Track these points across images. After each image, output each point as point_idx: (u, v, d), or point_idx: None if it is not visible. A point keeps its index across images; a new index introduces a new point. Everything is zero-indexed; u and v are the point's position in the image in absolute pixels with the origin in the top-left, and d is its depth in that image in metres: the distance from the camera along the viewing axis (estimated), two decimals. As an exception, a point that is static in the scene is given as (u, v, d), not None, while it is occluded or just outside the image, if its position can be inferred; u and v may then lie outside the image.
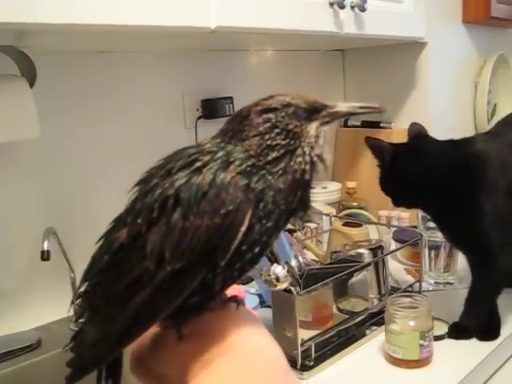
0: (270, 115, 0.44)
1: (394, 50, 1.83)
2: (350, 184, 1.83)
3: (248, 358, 0.39)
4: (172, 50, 1.48)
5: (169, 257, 0.39)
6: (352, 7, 1.36)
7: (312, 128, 0.45)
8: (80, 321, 0.46)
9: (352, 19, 1.37)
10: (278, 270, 0.93)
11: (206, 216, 0.39)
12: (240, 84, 1.62)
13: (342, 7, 1.31)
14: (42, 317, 1.22)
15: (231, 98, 1.55)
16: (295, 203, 0.43)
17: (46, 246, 1.05)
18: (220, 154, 0.42)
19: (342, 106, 0.46)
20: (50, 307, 1.21)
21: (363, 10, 1.37)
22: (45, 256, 1.04)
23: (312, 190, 0.45)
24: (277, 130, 0.43)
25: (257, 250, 0.42)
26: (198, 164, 0.41)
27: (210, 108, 1.52)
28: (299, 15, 1.24)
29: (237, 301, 0.45)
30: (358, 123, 1.93)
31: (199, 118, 1.51)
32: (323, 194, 1.74)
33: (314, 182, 0.45)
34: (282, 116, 0.44)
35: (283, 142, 0.43)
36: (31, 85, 1.10)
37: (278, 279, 0.94)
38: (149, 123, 1.43)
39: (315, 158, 0.44)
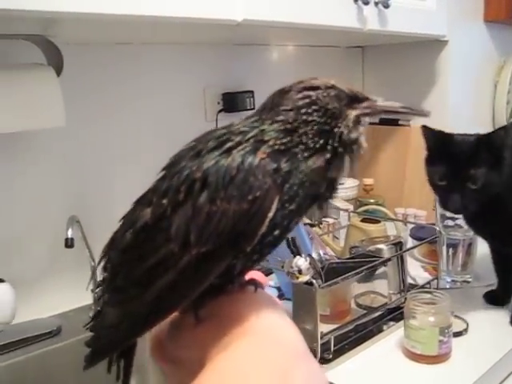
0: (311, 92, 0.43)
1: (414, 47, 1.83)
2: (368, 181, 1.83)
3: (266, 340, 0.39)
4: (194, 43, 1.49)
5: (194, 240, 0.39)
6: (376, 3, 1.36)
7: (352, 114, 0.43)
8: (101, 300, 0.46)
9: (375, 15, 1.37)
10: (301, 262, 0.94)
11: (234, 201, 0.38)
12: (261, 78, 1.62)
13: (366, 3, 1.31)
14: (63, 304, 1.24)
15: (252, 91, 1.56)
16: (322, 187, 0.42)
17: (70, 233, 1.06)
18: (252, 133, 0.41)
19: (384, 102, 0.46)
20: (70, 295, 1.23)
21: (387, 6, 1.37)
22: (69, 243, 1.05)
23: (343, 176, 0.43)
24: (315, 107, 0.42)
25: (277, 233, 0.41)
26: (229, 144, 0.41)
27: (231, 101, 1.53)
28: (324, 10, 1.24)
29: (255, 284, 0.44)
30: (376, 120, 1.93)
31: (220, 111, 1.52)
32: (340, 190, 1.74)
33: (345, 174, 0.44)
34: (324, 96, 0.43)
35: (320, 120, 0.42)
36: (58, 74, 1.11)
37: (300, 271, 0.94)
38: (170, 115, 1.44)
39: (351, 143, 0.43)
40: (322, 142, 0.42)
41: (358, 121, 0.44)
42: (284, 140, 0.41)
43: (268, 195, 0.39)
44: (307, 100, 0.43)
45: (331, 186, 0.43)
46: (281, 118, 0.42)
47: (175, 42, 1.44)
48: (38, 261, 1.22)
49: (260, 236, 0.39)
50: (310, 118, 0.42)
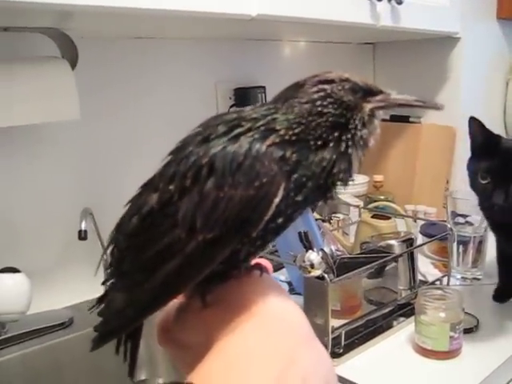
0: (326, 86, 0.43)
1: (425, 44, 1.82)
2: (378, 177, 1.83)
3: (273, 323, 0.39)
4: (207, 38, 1.49)
5: (200, 226, 0.39)
6: (389, 0, 1.36)
7: (367, 107, 0.44)
8: (107, 284, 0.46)
9: (389, 12, 1.37)
10: (313, 256, 0.94)
11: (240, 187, 0.38)
12: (273, 73, 1.62)
13: (380, -1, 1.31)
14: (75, 296, 1.25)
15: (264, 87, 1.56)
16: (330, 180, 0.42)
17: (83, 225, 1.07)
18: (263, 121, 0.41)
19: (398, 95, 0.45)
20: (83, 287, 1.24)
21: (400, 2, 1.37)
22: (82, 235, 1.06)
23: (354, 171, 0.43)
24: (329, 100, 0.42)
25: (280, 220, 0.41)
26: (239, 130, 0.41)
27: (243, 97, 1.53)
28: (337, 6, 1.24)
29: (260, 268, 0.45)
30: (387, 117, 1.93)
31: (232, 106, 1.52)
32: (350, 186, 1.72)
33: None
34: (339, 89, 0.43)
35: (335, 112, 0.42)
36: (72, 67, 1.12)
37: (312, 266, 0.95)
38: (182, 109, 1.44)
39: (364, 137, 0.43)
40: (335, 134, 0.42)
41: (372, 114, 0.44)
42: (296, 131, 0.41)
43: (274, 182, 0.39)
44: (322, 93, 0.43)
45: (342, 180, 0.42)
46: (295, 109, 0.42)
47: (188, 36, 1.44)
48: (51, 252, 1.23)
49: (265, 222, 0.40)
50: (325, 110, 0.42)
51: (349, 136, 0.42)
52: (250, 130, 0.41)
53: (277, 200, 0.39)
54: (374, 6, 1.32)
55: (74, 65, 1.12)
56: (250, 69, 1.60)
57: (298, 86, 0.44)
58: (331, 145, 0.41)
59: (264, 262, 0.47)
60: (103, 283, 0.48)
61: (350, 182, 0.43)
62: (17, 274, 0.96)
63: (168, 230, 0.40)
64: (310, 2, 1.17)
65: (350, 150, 0.42)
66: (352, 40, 1.92)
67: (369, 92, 0.44)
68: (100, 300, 0.47)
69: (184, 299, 0.45)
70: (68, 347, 1.14)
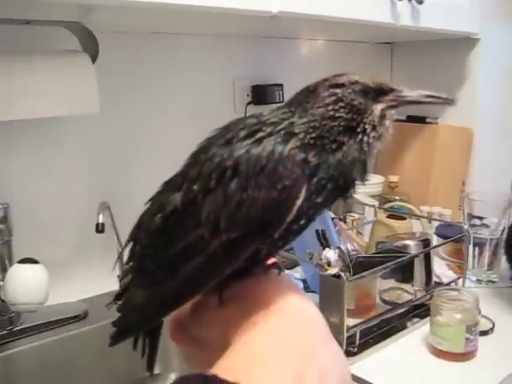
0: (337, 90, 0.44)
1: (444, 44, 1.81)
2: (393, 178, 1.83)
3: (292, 320, 0.40)
4: (225, 35, 1.49)
5: (224, 226, 0.40)
6: (409, -1, 1.35)
7: (377, 108, 0.44)
8: (125, 280, 0.47)
9: (409, 11, 1.37)
10: (330, 254, 0.94)
11: (264, 189, 0.39)
12: (290, 71, 1.62)
13: (400, -2, 1.31)
14: (90, 289, 1.25)
15: (281, 85, 1.56)
16: (348, 181, 0.43)
17: (101, 218, 1.07)
18: (282, 125, 0.42)
19: (410, 92, 0.46)
20: (98, 280, 1.24)
21: (421, 2, 1.36)
22: (99, 228, 1.07)
23: (369, 171, 0.44)
24: (341, 104, 0.43)
25: (302, 222, 0.42)
26: (260, 134, 0.41)
27: (260, 94, 1.53)
28: (358, 5, 1.24)
29: (278, 267, 0.46)
30: (403, 117, 1.92)
31: (249, 103, 1.52)
32: (365, 186, 1.73)
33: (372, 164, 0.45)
34: (349, 92, 0.44)
35: (346, 116, 0.43)
36: (93, 61, 1.12)
37: (329, 263, 0.95)
38: (200, 105, 1.45)
39: (376, 138, 0.44)
40: (349, 137, 0.43)
41: (383, 115, 0.45)
42: (313, 134, 0.42)
43: (296, 184, 0.40)
44: (334, 97, 0.44)
45: (358, 181, 0.43)
46: (309, 114, 0.43)
47: (207, 33, 1.45)
48: (68, 245, 1.24)
49: (287, 223, 0.40)
50: (337, 115, 0.43)
51: (361, 138, 0.43)
52: (271, 134, 0.41)
53: (299, 202, 0.40)
54: (394, 6, 1.32)
55: (94, 58, 1.13)
56: (267, 66, 1.60)
57: (309, 91, 0.45)
58: (346, 147, 0.42)
59: (277, 260, 0.48)
60: (120, 279, 0.48)
61: (366, 182, 0.44)
62: (36, 265, 0.97)
63: (192, 230, 0.41)
64: (331, 1, 1.17)
65: (363, 152, 0.43)
66: (370, 39, 1.91)
67: (380, 91, 0.45)
68: (118, 296, 0.48)
69: (200, 296, 0.46)
70: (82, 340, 1.15)
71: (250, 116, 0.45)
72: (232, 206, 0.40)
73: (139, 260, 0.46)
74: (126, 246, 0.48)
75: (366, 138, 0.43)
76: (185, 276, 0.42)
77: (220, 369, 0.37)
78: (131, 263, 0.47)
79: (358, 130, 0.43)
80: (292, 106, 0.44)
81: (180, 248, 0.42)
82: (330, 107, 0.43)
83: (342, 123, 0.43)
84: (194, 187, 0.42)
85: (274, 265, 0.46)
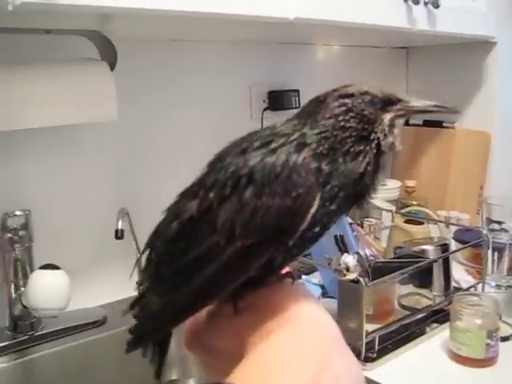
0: (347, 100, 0.45)
1: (460, 48, 1.80)
2: (410, 183, 1.82)
3: (306, 329, 0.40)
4: (242, 41, 1.50)
5: (239, 233, 0.40)
6: (426, 3, 1.35)
7: (386, 118, 0.45)
8: (141, 287, 0.48)
9: (425, 16, 1.37)
10: (349, 259, 0.94)
11: (278, 197, 0.40)
12: (307, 77, 1.63)
13: (417, 3, 1.31)
14: (109, 295, 1.26)
15: (297, 90, 1.56)
16: (361, 189, 0.43)
17: (120, 225, 1.08)
18: (294, 136, 0.43)
19: (417, 102, 0.47)
20: (117, 286, 1.25)
21: (437, 6, 1.36)
22: (119, 235, 1.08)
23: (382, 179, 0.45)
24: (351, 114, 0.44)
25: (317, 229, 0.42)
26: (274, 145, 0.42)
27: (277, 100, 1.54)
28: (374, 10, 1.24)
29: (292, 276, 0.46)
30: (420, 122, 1.91)
31: (265, 109, 1.53)
32: (382, 191, 1.73)
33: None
34: (359, 102, 0.45)
35: (357, 126, 0.43)
36: (111, 69, 1.13)
37: (347, 269, 0.95)
38: (217, 111, 1.46)
39: (387, 147, 0.44)
40: (360, 147, 0.43)
41: (392, 124, 0.45)
42: (325, 145, 0.42)
43: (310, 192, 0.40)
44: (344, 108, 0.44)
45: (371, 189, 0.44)
46: (320, 125, 0.44)
47: (223, 39, 1.46)
48: (87, 251, 1.25)
49: (301, 231, 0.41)
50: (348, 125, 0.43)
51: (372, 147, 0.44)
52: (283, 144, 0.42)
53: (313, 210, 0.40)
54: (410, 10, 1.32)
55: (113, 66, 1.14)
56: (284, 72, 1.60)
57: (319, 102, 0.46)
58: (357, 157, 0.43)
59: (290, 269, 0.48)
60: (138, 286, 0.49)
61: (379, 189, 0.45)
62: (57, 271, 0.98)
63: (207, 237, 0.42)
64: (348, 6, 1.17)
65: (375, 160, 0.44)
66: (386, 44, 1.91)
67: (388, 102, 0.46)
68: (135, 303, 0.48)
69: (214, 305, 0.46)
70: (101, 346, 1.16)
71: (264, 129, 0.46)
72: (247, 214, 0.40)
73: (155, 267, 0.47)
74: (142, 253, 0.48)
75: (378, 146, 0.44)
76: (200, 283, 0.42)
77: (236, 378, 0.37)
78: (147, 270, 0.48)
79: (370, 139, 0.44)
80: (302, 118, 0.45)
81: (195, 255, 0.42)
82: (341, 117, 0.44)
83: (354, 133, 0.43)
84: (210, 195, 0.42)
85: (288, 274, 0.47)
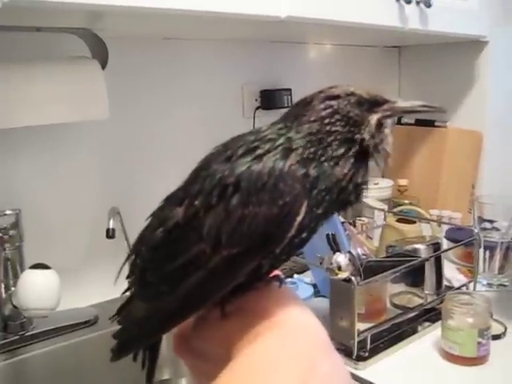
0: (333, 102, 0.44)
1: (452, 48, 1.81)
2: (402, 182, 1.82)
3: (294, 332, 0.40)
4: (233, 40, 1.50)
5: (225, 241, 0.40)
6: (417, 2, 1.35)
7: (373, 118, 0.45)
8: (128, 293, 0.48)
9: (417, 15, 1.37)
10: (341, 258, 0.94)
11: (265, 205, 0.40)
12: (299, 76, 1.63)
13: (408, 2, 1.31)
14: (100, 294, 1.25)
15: (290, 89, 1.56)
16: (349, 192, 0.43)
17: (111, 224, 1.08)
18: (280, 141, 0.42)
19: (404, 103, 0.47)
20: (108, 285, 1.24)
21: (429, 5, 1.36)
22: (110, 234, 1.07)
23: (368, 181, 0.45)
24: (337, 117, 0.44)
25: (304, 235, 0.42)
26: (259, 152, 0.42)
27: (269, 99, 1.53)
28: (366, 9, 1.24)
29: (280, 280, 0.46)
30: (412, 121, 1.91)
31: (257, 108, 1.53)
32: (374, 191, 1.73)
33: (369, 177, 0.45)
34: (345, 104, 0.44)
35: (342, 129, 0.43)
36: (103, 67, 1.13)
37: (339, 268, 0.95)
38: (208, 110, 1.45)
39: (376, 146, 0.44)
40: (346, 149, 0.43)
41: (380, 124, 0.45)
42: (311, 149, 0.42)
43: (297, 200, 0.40)
44: (330, 110, 0.44)
45: (358, 191, 0.44)
46: (306, 128, 0.43)
47: (215, 38, 1.45)
48: (78, 250, 1.25)
49: (289, 238, 0.41)
50: (334, 128, 0.43)
51: (359, 149, 0.44)
52: (269, 151, 0.42)
53: (299, 218, 0.40)
54: (402, 9, 1.32)
55: (104, 65, 1.14)
56: (276, 71, 1.60)
57: (305, 104, 0.45)
58: (343, 159, 0.43)
59: (278, 272, 0.48)
60: (124, 292, 0.49)
61: (367, 190, 0.45)
62: (48, 271, 0.98)
63: (193, 244, 0.41)
64: (339, 5, 1.17)
65: (362, 162, 0.44)
66: (378, 43, 1.91)
67: (374, 103, 0.46)
68: (122, 308, 0.48)
69: (202, 310, 0.46)
70: (92, 345, 1.15)
71: (249, 132, 0.45)
72: (233, 222, 0.40)
73: (140, 273, 0.46)
74: (127, 259, 0.48)
75: (366, 147, 0.44)
76: (185, 291, 0.42)
77: (221, 382, 0.37)
78: (133, 276, 0.48)
79: (356, 140, 0.44)
80: (288, 121, 0.45)
81: (181, 262, 0.42)
82: (327, 120, 0.44)
83: (339, 136, 0.43)
84: (196, 203, 0.42)
85: (275, 277, 0.46)
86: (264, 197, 0.40)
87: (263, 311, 0.42)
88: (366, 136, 0.44)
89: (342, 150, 0.43)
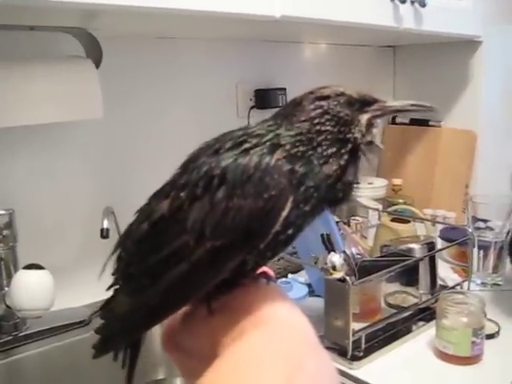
0: (323, 102, 0.45)
1: (446, 47, 1.81)
2: (396, 181, 1.83)
3: (280, 329, 0.40)
4: (228, 39, 1.50)
5: (209, 233, 0.40)
6: (412, 2, 1.35)
7: (363, 118, 0.45)
8: (113, 288, 0.47)
9: (412, 14, 1.37)
10: (335, 258, 0.94)
11: (250, 198, 0.39)
12: (293, 75, 1.63)
13: (403, 2, 1.31)
14: (94, 294, 1.25)
15: (284, 89, 1.56)
16: (338, 191, 0.43)
17: (105, 224, 1.07)
18: (268, 136, 0.43)
19: (394, 102, 0.47)
20: (102, 285, 1.24)
21: (423, 5, 1.36)
22: (104, 234, 1.07)
23: (358, 179, 0.45)
24: (327, 117, 0.44)
25: (290, 232, 0.42)
26: (246, 146, 0.42)
27: (263, 98, 1.53)
28: (361, 8, 1.24)
29: (267, 277, 0.46)
30: (407, 121, 1.92)
31: (252, 107, 1.53)
32: (369, 190, 1.74)
33: (361, 176, 0.46)
34: (334, 104, 0.44)
35: (332, 129, 0.43)
36: (97, 66, 1.12)
37: (334, 268, 0.95)
38: (203, 110, 1.45)
39: (366, 146, 0.45)
40: (337, 149, 0.43)
41: (370, 124, 0.46)
42: (300, 148, 0.42)
43: (282, 195, 0.40)
44: (319, 110, 0.44)
45: (347, 190, 0.44)
46: (295, 128, 0.43)
47: (209, 37, 1.45)
48: (72, 250, 1.24)
49: (274, 234, 0.41)
50: (324, 128, 0.43)
51: (348, 148, 0.44)
52: (256, 145, 0.42)
53: (284, 213, 0.40)
54: (397, 9, 1.32)
55: (98, 64, 1.13)
56: (270, 70, 1.60)
57: (295, 104, 0.45)
58: (334, 158, 0.43)
59: (268, 270, 0.48)
60: (109, 288, 0.48)
61: (356, 189, 0.45)
62: (41, 271, 0.97)
63: (177, 236, 0.41)
64: (334, 4, 1.17)
65: (352, 161, 0.44)
66: (373, 43, 1.92)
67: (364, 102, 0.46)
68: (106, 303, 0.47)
69: (189, 306, 0.46)
70: (86, 345, 1.13)
71: (238, 129, 0.45)
72: (218, 214, 0.40)
73: (125, 267, 0.46)
74: (113, 253, 0.47)
75: (355, 147, 0.44)
76: (167, 284, 0.41)
77: (207, 380, 0.37)
78: (117, 270, 0.47)
79: (346, 140, 0.44)
80: (278, 119, 0.45)
81: (165, 254, 0.42)
82: (316, 120, 0.44)
83: (329, 136, 0.43)
84: (182, 194, 0.42)
85: (263, 274, 0.46)
86: (249, 190, 0.40)
87: (249, 308, 0.41)
88: (357, 135, 0.44)
89: (332, 149, 0.43)
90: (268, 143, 0.42)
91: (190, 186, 0.42)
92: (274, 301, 0.42)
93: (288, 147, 0.42)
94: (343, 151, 0.43)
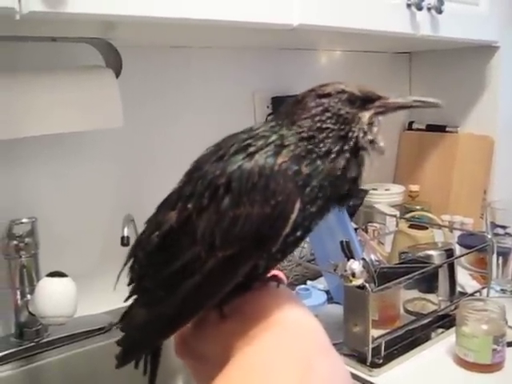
0: (324, 100, 0.45)
1: (463, 53, 1.80)
2: (413, 187, 1.82)
3: (291, 333, 0.40)
4: (245, 47, 1.50)
5: (219, 244, 0.40)
6: (429, 9, 1.35)
7: (365, 116, 0.45)
8: (130, 299, 0.48)
9: (428, 21, 1.37)
10: (355, 265, 0.94)
11: (257, 205, 0.40)
12: (310, 83, 1.59)
13: (420, 9, 1.31)
14: (115, 301, 1.26)
15: (301, 96, 1.56)
16: (342, 189, 0.43)
17: (126, 231, 1.08)
18: (273, 138, 0.43)
19: (397, 99, 0.47)
20: (122, 292, 1.25)
21: (440, 12, 1.36)
22: (124, 241, 1.07)
23: (361, 175, 0.44)
24: (328, 114, 0.44)
25: (299, 233, 0.42)
26: (251, 149, 0.42)
27: (280, 105, 1.52)
28: (377, 16, 1.25)
29: (277, 280, 0.46)
30: (423, 127, 1.91)
31: (269, 115, 1.53)
32: (386, 196, 1.73)
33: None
34: (335, 102, 0.44)
35: (333, 127, 0.43)
36: (117, 75, 1.14)
37: (353, 275, 0.95)
38: (221, 118, 1.46)
39: (366, 145, 0.44)
40: (338, 147, 0.43)
41: (371, 122, 0.45)
42: (303, 146, 0.42)
43: (290, 199, 0.40)
44: (320, 108, 0.44)
45: (351, 188, 0.44)
46: (297, 126, 0.44)
47: (226, 46, 1.46)
48: (93, 258, 1.25)
49: (283, 237, 0.41)
50: (325, 126, 0.43)
51: (350, 146, 0.43)
52: (261, 148, 0.42)
53: (293, 216, 0.40)
54: (413, 16, 1.32)
55: (118, 73, 1.15)
56: (287, 78, 1.60)
57: (297, 102, 0.46)
58: (335, 156, 0.43)
59: (279, 273, 0.48)
60: (127, 299, 0.49)
61: (358, 189, 0.45)
62: (65, 279, 0.98)
63: (188, 248, 0.42)
64: (351, 12, 1.18)
65: (354, 159, 0.44)
66: (388, 49, 1.92)
67: (367, 99, 0.46)
68: (125, 315, 0.48)
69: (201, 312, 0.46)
70: (107, 352, 1.15)
71: (242, 131, 0.45)
72: (226, 223, 0.40)
73: (139, 279, 0.47)
74: (126, 263, 0.48)
75: (357, 145, 0.44)
76: (182, 296, 0.42)
77: (220, 383, 0.37)
78: (131, 282, 0.48)
79: (347, 138, 0.44)
80: (280, 119, 0.45)
81: (177, 267, 0.42)
82: (317, 118, 0.44)
83: (330, 133, 0.43)
84: (189, 206, 0.42)
85: (273, 277, 0.46)
86: (256, 197, 0.40)
87: (261, 312, 0.42)
88: (359, 133, 0.44)
89: (333, 147, 0.43)
90: (272, 145, 0.42)
91: (196, 197, 0.42)
92: (285, 304, 0.43)
93: (292, 147, 0.42)
94: (345, 149, 0.43)
